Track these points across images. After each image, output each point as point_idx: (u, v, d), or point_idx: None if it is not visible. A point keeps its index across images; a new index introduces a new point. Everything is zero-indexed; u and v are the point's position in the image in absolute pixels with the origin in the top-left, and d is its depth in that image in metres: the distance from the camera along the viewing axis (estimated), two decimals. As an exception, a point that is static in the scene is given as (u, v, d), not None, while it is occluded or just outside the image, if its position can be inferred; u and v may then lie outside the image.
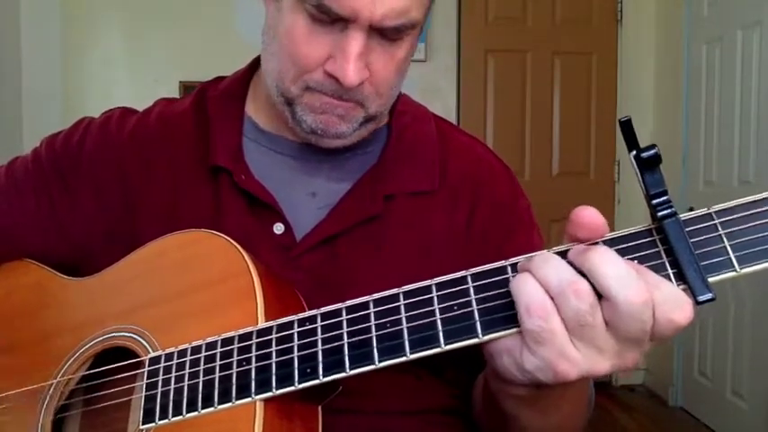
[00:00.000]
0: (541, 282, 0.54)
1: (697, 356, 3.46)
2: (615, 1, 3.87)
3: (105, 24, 3.61)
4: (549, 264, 0.55)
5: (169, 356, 0.68)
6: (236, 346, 0.65)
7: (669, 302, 0.52)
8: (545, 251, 0.57)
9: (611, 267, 0.52)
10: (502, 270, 0.58)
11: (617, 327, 0.53)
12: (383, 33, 0.74)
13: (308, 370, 0.61)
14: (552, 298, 0.54)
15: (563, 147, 3.89)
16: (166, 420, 0.66)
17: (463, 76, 3.84)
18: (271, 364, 0.63)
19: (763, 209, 0.54)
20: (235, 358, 0.64)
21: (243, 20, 3.51)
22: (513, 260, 0.58)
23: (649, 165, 0.53)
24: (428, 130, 0.90)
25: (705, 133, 3.41)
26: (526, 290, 0.54)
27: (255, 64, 0.91)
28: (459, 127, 0.97)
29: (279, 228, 0.81)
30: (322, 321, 0.63)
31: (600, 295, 0.53)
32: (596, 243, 0.56)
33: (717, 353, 3.29)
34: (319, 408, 0.68)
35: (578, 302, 0.53)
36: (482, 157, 0.92)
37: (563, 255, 0.56)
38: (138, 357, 0.71)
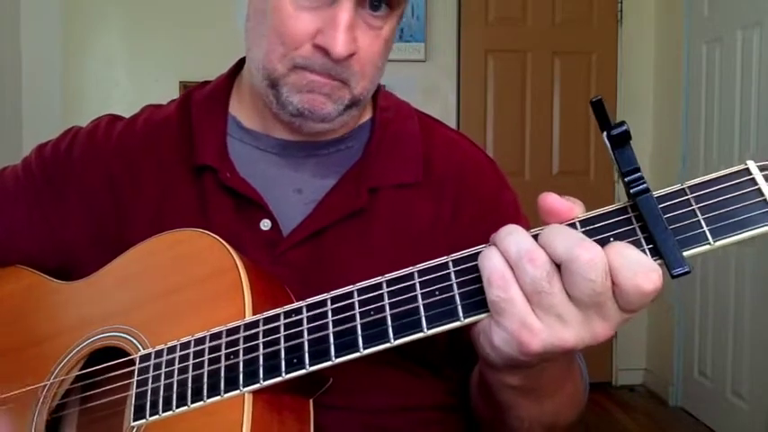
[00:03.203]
0: (503, 253, 0.56)
1: (697, 356, 3.46)
2: (615, 1, 3.87)
3: (105, 24, 3.62)
4: (511, 236, 0.56)
5: (159, 353, 0.69)
6: (224, 340, 0.65)
7: (633, 267, 0.53)
8: (512, 225, 0.57)
9: (560, 233, 0.54)
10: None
11: (570, 290, 0.54)
12: (373, 5, 0.76)
13: (295, 360, 0.62)
14: (512, 268, 0.55)
15: (563, 147, 3.89)
16: (157, 416, 0.66)
17: (463, 76, 3.83)
18: (258, 356, 0.63)
19: (735, 182, 0.54)
20: (223, 352, 0.65)
21: (243, 20, 3.51)
22: (490, 244, 0.59)
23: (620, 142, 0.54)
24: (411, 125, 0.91)
25: (705, 133, 3.41)
26: (489, 262, 0.56)
27: (239, 66, 0.92)
28: (443, 122, 0.98)
29: (266, 224, 0.82)
30: (307, 312, 0.63)
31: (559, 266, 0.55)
32: (573, 222, 0.57)
33: (717, 353, 3.29)
34: (310, 402, 0.68)
35: (534, 270, 0.54)
36: (466, 151, 0.93)
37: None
38: (130, 356, 0.71)
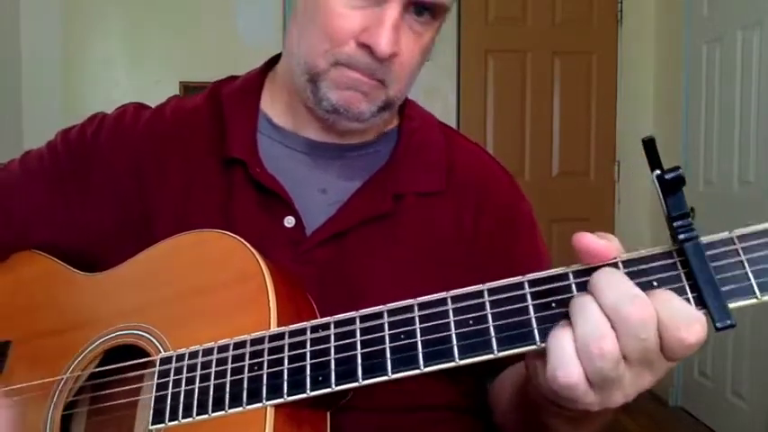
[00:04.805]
0: (575, 332, 0.53)
1: (697, 356, 3.46)
2: (615, 1, 3.87)
3: (105, 24, 3.60)
4: (584, 311, 0.53)
5: (180, 357, 0.68)
6: (248, 350, 0.65)
7: (676, 320, 0.52)
8: (585, 296, 0.54)
9: (609, 288, 0.52)
10: (519, 285, 0.58)
11: (623, 350, 0.52)
12: (417, 11, 0.77)
13: (321, 378, 0.61)
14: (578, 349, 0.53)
15: (563, 147, 3.89)
16: (176, 422, 0.65)
17: (463, 76, 3.83)
18: (283, 370, 0.62)
19: None
20: (246, 362, 0.64)
21: (243, 21, 3.51)
22: (531, 276, 0.58)
23: (672, 187, 0.52)
24: (435, 135, 0.92)
25: (705, 133, 3.41)
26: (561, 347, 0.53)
27: (271, 62, 0.93)
28: (462, 133, 1.00)
29: (289, 221, 0.82)
30: (335, 329, 0.62)
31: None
32: (615, 262, 0.55)
33: (717, 353, 3.29)
34: (328, 414, 0.68)
35: (603, 363, 0.52)
36: (485, 162, 0.95)
37: (581, 273, 0.56)
38: (148, 356, 0.71)
